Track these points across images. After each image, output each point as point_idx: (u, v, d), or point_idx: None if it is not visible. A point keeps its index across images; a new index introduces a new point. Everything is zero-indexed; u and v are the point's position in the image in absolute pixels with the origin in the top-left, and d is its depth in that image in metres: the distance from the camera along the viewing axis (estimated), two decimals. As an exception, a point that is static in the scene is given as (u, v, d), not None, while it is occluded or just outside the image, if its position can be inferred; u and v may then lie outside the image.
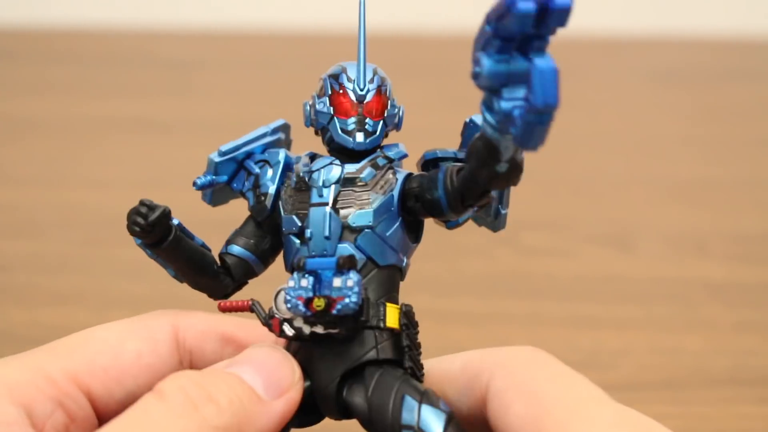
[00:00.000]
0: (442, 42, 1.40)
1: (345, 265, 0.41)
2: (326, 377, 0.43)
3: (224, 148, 0.47)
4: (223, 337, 0.46)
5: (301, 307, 0.41)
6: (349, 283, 0.41)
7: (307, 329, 0.42)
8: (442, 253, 0.79)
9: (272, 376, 0.41)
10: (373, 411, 0.41)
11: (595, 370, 0.68)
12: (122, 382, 0.43)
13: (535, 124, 0.35)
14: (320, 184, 0.44)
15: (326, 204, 0.43)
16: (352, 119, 0.44)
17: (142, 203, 0.44)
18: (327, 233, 0.43)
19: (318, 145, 0.46)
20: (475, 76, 0.36)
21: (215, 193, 0.48)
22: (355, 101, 0.44)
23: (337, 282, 0.41)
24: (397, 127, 0.46)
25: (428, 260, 0.78)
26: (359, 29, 0.45)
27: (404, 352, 0.43)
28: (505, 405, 0.40)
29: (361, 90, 0.44)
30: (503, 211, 0.45)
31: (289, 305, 0.42)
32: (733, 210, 0.93)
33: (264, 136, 0.48)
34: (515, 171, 0.39)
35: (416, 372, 0.43)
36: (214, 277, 0.46)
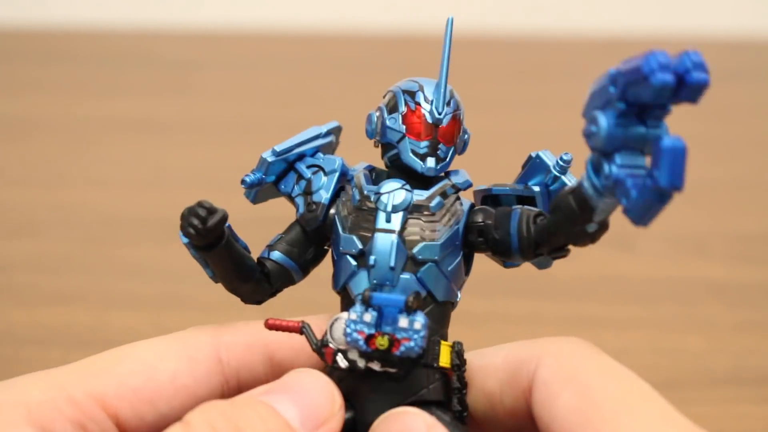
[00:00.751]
0: (438, 43, 1.40)
1: (414, 306, 0.40)
2: (373, 412, 0.41)
3: (279, 147, 0.45)
4: (269, 351, 0.45)
5: (362, 343, 0.40)
6: (417, 326, 0.40)
7: (362, 363, 0.41)
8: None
9: (310, 406, 0.39)
10: None
11: (596, 370, 0.68)
12: (155, 405, 0.42)
13: (653, 203, 0.34)
14: (389, 209, 0.42)
15: (394, 232, 0.42)
16: (426, 143, 0.42)
17: (201, 205, 0.41)
18: (392, 263, 0.41)
19: (360, 154, 0.46)
20: (589, 136, 0.35)
21: (259, 192, 0.46)
22: (431, 123, 0.43)
23: (403, 322, 0.40)
24: (462, 151, 0.45)
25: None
26: (444, 49, 0.44)
27: (453, 394, 0.42)
28: (552, 395, 0.39)
29: (439, 114, 0.43)
30: None
31: (349, 339, 0.40)
32: (733, 210, 0.93)
33: (317, 137, 0.46)
34: (603, 231, 0.39)
35: (462, 415, 0.42)
36: (256, 283, 0.44)
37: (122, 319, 0.74)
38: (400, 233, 0.41)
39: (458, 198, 0.43)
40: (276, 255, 0.45)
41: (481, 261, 0.88)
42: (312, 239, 0.45)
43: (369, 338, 0.40)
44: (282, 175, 0.46)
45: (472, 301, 0.79)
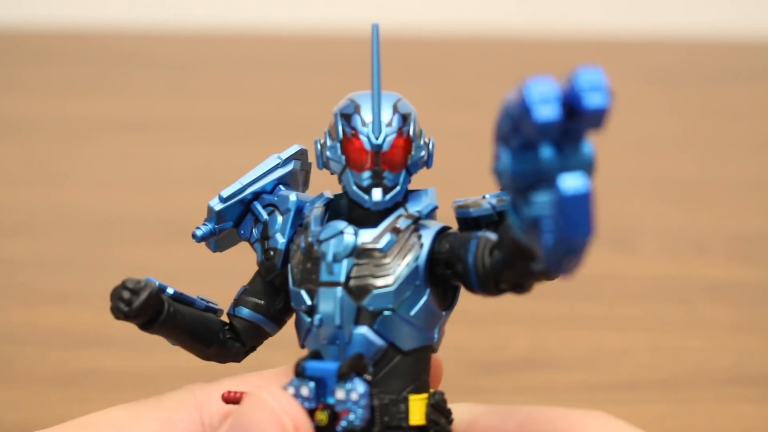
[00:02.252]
0: (442, 42, 1.40)
1: (348, 374, 0.36)
2: None
3: (225, 193, 0.40)
4: None
5: None
6: (354, 396, 0.35)
7: None
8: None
9: None
10: None
11: (595, 370, 0.68)
12: None
13: (563, 255, 0.29)
14: (330, 258, 0.37)
15: (337, 284, 0.36)
16: (368, 174, 0.37)
17: (124, 286, 0.37)
18: (338, 322, 0.36)
19: None
20: (498, 176, 0.29)
21: (221, 239, 0.42)
22: (370, 151, 0.37)
23: (339, 394, 0.35)
24: (427, 164, 0.39)
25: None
26: (373, 59, 0.38)
27: None
28: None
29: (377, 139, 0.37)
30: None
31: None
32: (733, 210, 0.93)
33: (275, 169, 0.41)
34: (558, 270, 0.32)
35: None
36: (221, 346, 0.40)
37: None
38: (345, 285, 0.36)
39: (416, 229, 0.37)
40: (242, 311, 0.40)
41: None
42: (280, 286, 0.40)
43: (311, 413, 0.36)
44: (241, 218, 0.41)
45: (472, 301, 0.79)
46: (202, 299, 0.41)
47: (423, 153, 0.39)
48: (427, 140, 0.39)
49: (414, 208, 0.38)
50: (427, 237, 0.37)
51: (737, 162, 1.04)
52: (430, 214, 0.38)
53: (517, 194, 0.29)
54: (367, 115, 0.37)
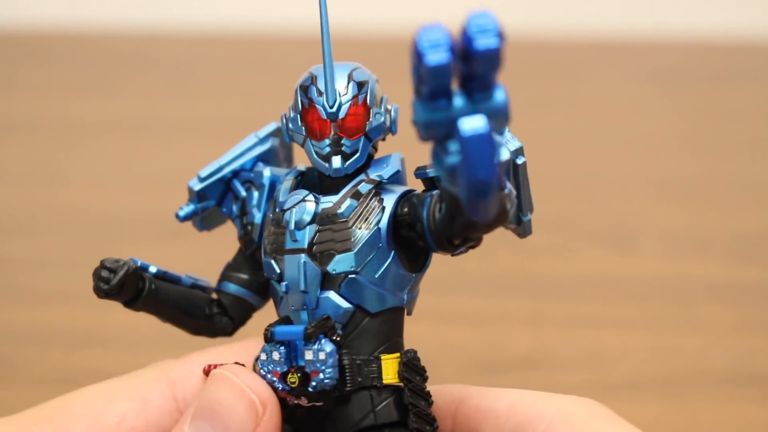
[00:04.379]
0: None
1: (315, 334, 0.36)
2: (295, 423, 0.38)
3: (203, 173, 0.42)
4: None
5: (278, 383, 0.37)
6: (321, 356, 0.36)
7: (290, 400, 0.38)
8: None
9: (233, 428, 0.36)
10: None
11: (595, 370, 0.68)
12: None
13: (474, 198, 0.28)
14: (292, 226, 0.38)
15: (301, 251, 0.38)
16: (326, 142, 0.38)
17: (103, 266, 0.39)
18: (303, 287, 0.37)
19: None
20: (415, 125, 0.29)
21: (205, 218, 0.43)
22: (326, 119, 0.38)
23: (308, 355, 0.36)
24: (392, 130, 0.40)
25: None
26: (322, 29, 0.38)
27: (409, 410, 0.38)
28: None
29: (331, 107, 0.38)
30: (525, 218, 0.38)
31: (266, 380, 0.37)
32: (733, 210, 0.93)
33: (253, 147, 0.43)
34: (496, 220, 0.32)
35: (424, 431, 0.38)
36: (208, 320, 0.42)
37: (122, 319, 0.74)
38: (309, 251, 0.37)
39: (378, 193, 0.38)
40: (229, 287, 0.42)
41: (481, 261, 0.88)
42: (259, 261, 0.41)
43: (284, 376, 0.37)
44: (223, 197, 0.42)
45: (472, 301, 0.79)
46: (189, 277, 0.42)
47: (383, 119, 0.39)
48: (389, 107, 0.40)
49: (375, 173, 0.39)
50: (389, 201, 0.38)
51: (737, 162, 1.04)
52: (394, 178, 0.39)
53: (436, 144, 0.29)
54: (322, 85, 0.38)
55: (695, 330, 0.73)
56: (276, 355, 0.37)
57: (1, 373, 0.68)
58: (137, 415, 0.41)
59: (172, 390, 0.42)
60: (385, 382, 0.38)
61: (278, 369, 0.37)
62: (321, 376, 0.36)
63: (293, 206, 0.38)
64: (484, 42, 0.27)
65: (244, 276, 0.42)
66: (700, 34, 1.41)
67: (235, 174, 0.42)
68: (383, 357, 0.38)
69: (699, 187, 0.98)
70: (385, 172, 0.39)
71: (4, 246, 0.86)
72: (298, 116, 0.39)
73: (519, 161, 0.38)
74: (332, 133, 0.38)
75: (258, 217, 0.41)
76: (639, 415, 0.63)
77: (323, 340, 0.37)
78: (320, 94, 0.38)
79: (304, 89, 0.39)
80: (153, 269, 0.40)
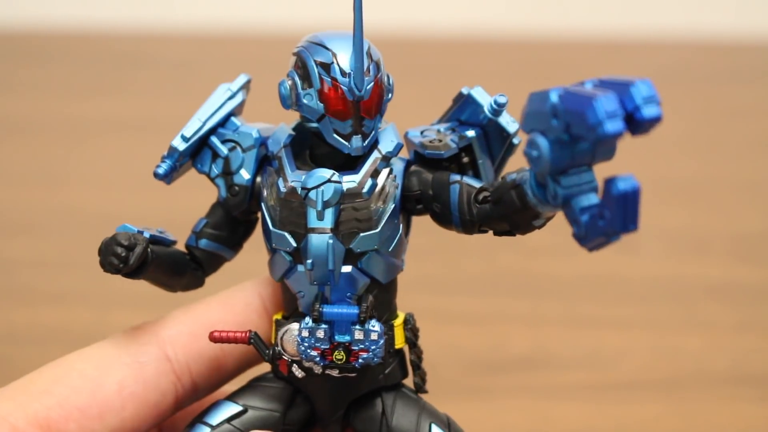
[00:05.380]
0: (442, 42, 1.40)
1: (367, 317, 0.39)
2: (332, 407, 0.41)
3: (188, 132, 0.42)
4: (210, 326, 0.43)
5: (318, 359, 0.39)
6: (374, 336, 0.39)
7: (318, 370, 0.39)
8: (443, 253, 0.79)
9: None
10: None
11: (595, 370, 0.68)
12: (104, 419, 0.40)
13: (604, 240, 0.33)
14: (320, 206, 0.39)
15: (328, 231, 0.39)
16: (349, 122, 0.39)
17: (118, 242, 0.39)
18: (331, 266, 0.39)
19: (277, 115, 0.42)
20: (532, 160, 0.33)
21: (174, 174, 0.43)
22: (352, 101, 0.39)
23: (359, 335, 0.39)
24: (388, 99, 0.41)
25: (428, 260, 0.78)
26: (355, 16, 0.39)
27: (414, 370, 0.41)
28: None
29: (360, 91, 0.38)
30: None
31: (304, 356, 0.39)
32: (733, 210, 0.93)
33: (227, 101, 0.43)
34: (548, 221, 0.37)
35: (423, 385, 0.42)
36: (190, 276, 0.43)
37: (122, 318, 0.74)
38: (335, 230, 0.39)
39: (391, 171, 0.40)
40: (204, 243, 0.42)
41: (481, 261, 0.88)
42: (239, 219, 0.42)
43: (324, 353, 0.39)
44: (196, 152, 0.42)
45: (472, 301, 0.79)
46: (161, 232, 0.42)
47: (390, 95, 0.41)
48: (388, 79, 0.41)
49: (385, 148, 0.40)
50: (398, 176, 0.40)
51: (737, 162, 1.04)
52: (397, 151, 0.41)
53: (548, 176, 0.33)
54: (345, 64, 0.39)
55: (695, 330, 0.73)
56: (320, 333, 0.39)
57: (1, 373, 0.68)
58: (135, 381, 0.41)
59: (164, 350, 0.42)
60: (396, 347, 0.41)
61: (320, 345, 0.39)
62: (370, 354, 0.39)
63: (319, 186, 0.39)
64: (651, 111, 0.30)
65: (223, 233, 0.42)
66: (700, 35, 1.41)
67: (212, 130, 0.42)
68: (394, 323, 0.40)
69: (699, 187, 0.98)
70: (393, 147, 0.40)
71: (4, 246, 0.86)
72: (316, 92, 0.39)
73: (515, 141, 0.41)
74: (355, 114, 0.39)
75: (248, 179, 0.41)
76: (639, 415, 0.63)
77: (373, 321, 0.39)
78: (345, 74, 0.38)
79: (325, 67, 0.39)
80: (147, 234, 0.40)
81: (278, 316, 0.41)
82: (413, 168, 0.41)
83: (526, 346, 0.71)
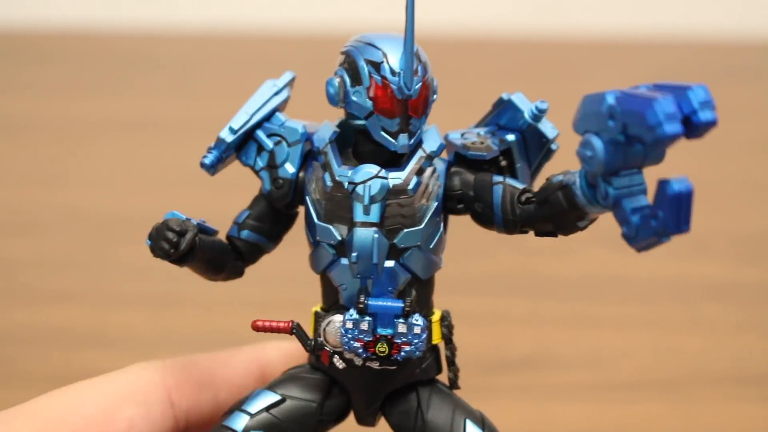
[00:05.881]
0: (442, 42, 1.40)
1: (411, 311, 0.40)
2: (368, 399, 0.42)
3: (236, 125, 0.42)
4: (216, 390, 0.44)
5: (361, 351, 0.40)
6: (417, 330, 0.40)
7: (359, 362, 0.40)
8: (444, 253, 0.79)
9: None
10: None
11: (595, 369, 0.68)
12: None
13: (655, 240, 0.33)
14: (366, 201, 0.40)
15: (374, 225, 0.40)
16: (397, 120, 0.39)
17: (170, 228, 0.39)
18: (376, 260, 0.40)
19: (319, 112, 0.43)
20: (585, 160, 0.34)
21: (220, 165, 0.43)
22: (401, 99, 0.39)
23: (402, 328, 0.40)
24: (434, 99, 0.42)
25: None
26: (407, 7, 0.39)
27: (449, 365, 0.42)
28: None
29: (409, 90, 0.39)
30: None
31: (347, 347, 0.40)
32: (733, 210, 0.93)
33: (273, 96, 0.43)
34: (592, 222, 0.38)
35: (456, 380, 0.43)
36: (231, 266, 0.43)
37: (122, 318, 0.74)
38: (380, 225, 0.40)
39: (435, 170, 0.41)
40: (246, 234, 0.43)
41: (482, 260, 0.88)
42: (281, 212, 0.43)
43: (367, 345, 0.40)
44: (241, 145, 0.43)
45: (472, 301, 0.79)
46: (204, 223, 0.42)
47: (435, 96, 0.41)
48: (434, 81, 0.41)
49: (429, 148, 0.41)
50: (441, 175, 0.41)
51: (738, 162, 1.04)
52: (440, 151, 0.41)
53: (600, 177, 0.34)
54: (395, 63, 0.39)
55: (696, 330, 0.73)
56: (365, 326, 0.39)
57: (1, 373, 0.68)
58: (143, 420, 0.42)
59: (168, 395, 0.43)
60: (433, 343, 0.42)
61: (363, 337, 0.39)
62: (412, 348, 0.40)
63: (366, 181, 0.39)
64: (707, 115, 0.31)
65: (265, 226, 0.43)
66: (701, 35, 1.41)
67: (258, 124, 0.43)
68: (432, 320, 0.41)
69: (699, 187, 0.98)
70: (438, 148, 0.41)
71: (4, 246, 0.86)
72: (365, 90, 0.39)
73: (554, 147, 0.42)
74: (403, 113, 0.39)
75: (293, 173, 0.42)
76: (639, 415, 0.63)
77: (417, 316, 0.40)
78: (394, 73, 0.39)
79: (375, 66, 0.39)
80: (195, 221, 0.41)
81: (317, 308, 0.42)
82: (454, 169, 0.41)
83: (526, 346, 0.71)
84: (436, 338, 0.42)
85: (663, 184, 0.32)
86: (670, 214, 0.32)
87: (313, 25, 1.43)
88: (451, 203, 0.41)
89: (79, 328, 0.73)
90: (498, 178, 0.40)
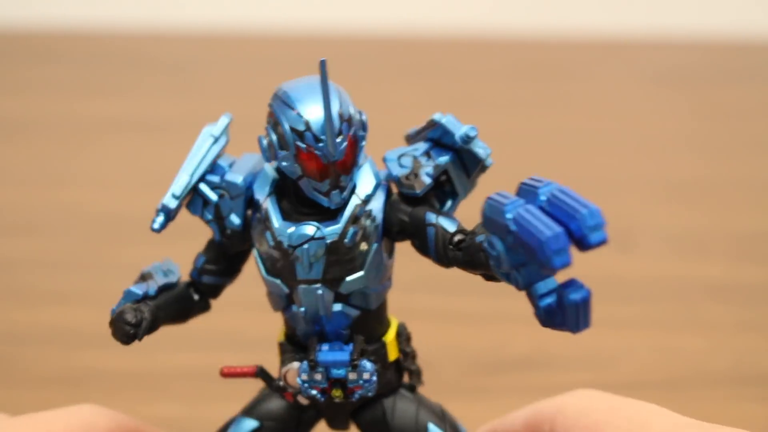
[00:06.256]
0: (442, 42, 1.40)
1: (357, 358, 0.42)
2: (337, 416, 0.45)
3: (177, 191, 0.43)
4: None
5: (320, 396, 0.43)
6: (366, 375, 0.42)
7: (322, 399, 0.43)
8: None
9: None
10: None
11: (595, 369, 0.68)
12: None
13: (559, 328, 0.37)
14: (307, 263, 0.41)
15: (317, 281, 0.41)
16: (327, 181, 0.40)
17: (126, 322, 0.41)
18: (323, 312, 0.42)
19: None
20: (492, 258, 0.36)
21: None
22: (326, 164, 0.40)
23: (352, 376, 0.42)
24: (364, 141, 0.42)
25: (428, 260, 0.78)
26: (322, 84, 0.39)
27: (410, 376, 0.45)
28: None
29: (334, 156, 0.40)
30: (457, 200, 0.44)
31: (305, 394, 0.43)
32: (733, 210, 0.93)
33: (210, 148, 0.44)
34: None
35: (417, 383, 0.45)
36: (197, 309, 0.45)
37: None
38: (323, 280, 0.41)
39: (370, 212, 0.42)
40: (206, 278, 0.45)
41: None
42: (235, 250, 0.44)
43: (324, 389, 0.42)
44: (189, 199, 0.44)
45: (472, 301, 0.79)
46: (165, 273, 0.44)
47: (365, 133, 0.42)
48: (361, 117, 0.42)
49: (364, 192, 0.42)
50: (378, 214, 0.42)
51: (738, 162, 1.04)
52: (375, 191, 0.42)
53: (505, 267, 0.36)
54: (318, 129, 0.40)
55: (696, 330, 0.73)
56: (318, 376, 0.42)
57: (1, 373, 0.68)
58: None
59: None
60: (390, 361, 0.44)
61: (319, 385, 0.42)
62: (364, 390, 0.42)
63: (304, 243, 0.41)
64: (598, 237, 0.34)
65: (222, 267, 0.45)
66: (700, 35, 1.41)
67: (200, 178, 0.43)
68: (386, 340, 0.43)
69: (700, 187, 0.98)
70: (372, 189, 0.42)
71: (4, 246, 0.86)
72: (292, 157, 0.40)
73: (488, 164, 0.43)
74: (331, 175, 0.40)
75: (238, 223, 0.43)
76: (639, 415, 0.63)
77: (363, 362, 0.42)
78: (318, 140, 0.40)
79: (299, 134, 0.40)
80: (152, 291, 0.43)
81: (281, 338, 0.44)
82: (393, 198, 0.42)
83: (526, 346, 0.71)
84: (393, 355, 0.44)
85: (561, 292, 0.36)
86: (570, 317, 0.36)
87: (314, 25, 1.43)
88: (391, 234, 0.42)
89: (79, 328, 0.73)
90: (431, 219, 0.41)
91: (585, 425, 0.41)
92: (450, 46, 1.39)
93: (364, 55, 1.32)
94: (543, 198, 0.35)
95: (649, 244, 0.86)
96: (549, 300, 0.37)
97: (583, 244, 0.34)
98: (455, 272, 0.84)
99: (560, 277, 0.36)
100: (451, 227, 0.41)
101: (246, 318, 0.63)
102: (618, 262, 0.83)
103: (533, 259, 0.34)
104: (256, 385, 0.47)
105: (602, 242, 0.34)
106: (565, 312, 0.36)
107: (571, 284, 0.36)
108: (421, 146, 0.42)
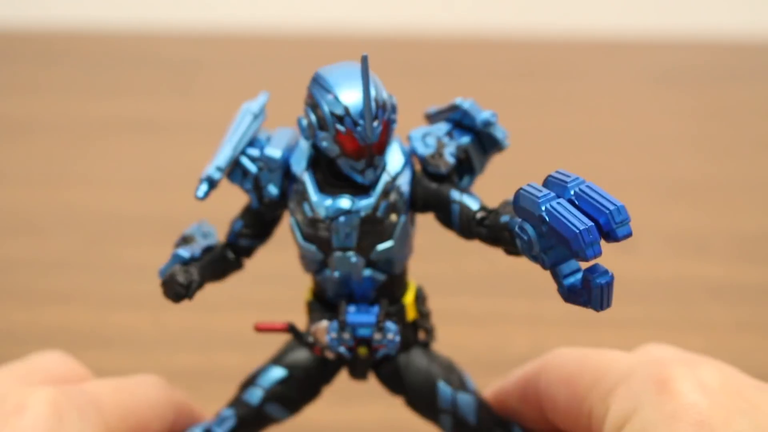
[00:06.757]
0: (442, 42, 1.40)
1: (382, 321, 0.46)
2: (358, 368, 0.48)
3: (222, 163, 0.46)
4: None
5: (347, 354, 0.47)
6: (390, 336, 0.46)
7: (348, 354, 0.47)
8: (443, 253, 0.79)
9: None
10: (412, 397, 0.48)
11: (596, 370, 0.68)
12: None
13: (583, 305, 0.40)
14: (343, 232, 0.44)
15: (351, 249, 0.45)
16: (363, 161, 0.44)
17: (179, 283, 0.45)
18: (355, 276, 0.45)
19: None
20: (523, 242, 0.39)
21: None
22: (363, 145, 0.43)
23: (377, 336, 0.46)
24: (395, 123, 0.45)
25: (428, 260, 0.77)
26: (363, 77, 0.42)
27: (426, 334, 0.49)
28: (553, 401, 0.46)
29: (370, 139, 0.43)
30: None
31: (334, 351, 0.46)
32: (733, 210, 0.93)
33: (252, 122, 0.47)
34: None
35: (430, 341, 0.49)
36: (232, 269, 0.48)
37: (122, 319, 0.74)
38: (357, 248, 0.45)
39: (399, 187, 0.45)
40: (243, 241, 0.48)
41: (481, 260, 0.87)
42: (270, 214, 0.47)
43: (350, 347, 0.46)
44: (230, 169, 0.47)
45: (472, 301, 0.79)
46: (205, 236, 0.48)
47: (395, 122, 0.45)
48: (394, 104, 0.45)
49: (393, 169, 0.45)
50: (405, 188, 0.45)
51: (739, 162, 1.04)
52: (403, 168, 0.46)
53: (536, 251, 0.39)
54: (357, 114, 0.43)
55: (696, 330, 0.73)
56: (346, 335, 0.46)
57: (1, 373, 0.68)
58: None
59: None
60: (408, 320, 0.47)
61: (347, 343, 0.46)
62: (387, 349, 0.46)
63: (339, 216, 0.44)
64: (624, 232, 0.38)
65: (259, 230, 0.48)
66: (703, 34, 1.41)
67: (241, 151, 0.47)
68: (406, 302, 0.47)
69: (700, 186, 0.98)
70: (401, 166, 0.45)
71: (4, 246, 0.86)
72: (330, 137, 0.43)
73: (505, 145, 0.46)
74: (367, 155, 0.44)
75: (276, 193, 0.46)
76: (639, 415, 0.63)
77: (388, 323, 0.46)
78: (356, 124, 0.43)
79: (339, 118, 0.43)
80: (197, 254, 0.46)
81: (309, 296, 0.48)
82: (418, 175, 0.46)
83: (526, 346, 0.71)
84: (411, 316, 0.48)
85: (588, 276, 0.39)
86: (595, 298, 0.39)
87: (314, 25, 1.43)
88: (417, 207, 0.46)
89: (79, 328, 0.73)
90: (455, 196, 0.45)
91: (560, 378, 0.46)
92: (450, 46, 1.39)
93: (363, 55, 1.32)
94: (572, 192, 0.38)
95: (649, 244, 0.86)
96: (572, 279, 0.40)
97: (611, 237, 0.38)
98: (454, 272, 0.84)
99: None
100: (474, 205, 0.45)
101: (246, 318, 0.63)
102: (618, 262, 0.83)
103: (566, 248, 0.37)
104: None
105: (628, 236, 0.38)
106: (591, 293, 0.39)
107: (595, 269, 0.39)
108: (444, 127, 0.46)
